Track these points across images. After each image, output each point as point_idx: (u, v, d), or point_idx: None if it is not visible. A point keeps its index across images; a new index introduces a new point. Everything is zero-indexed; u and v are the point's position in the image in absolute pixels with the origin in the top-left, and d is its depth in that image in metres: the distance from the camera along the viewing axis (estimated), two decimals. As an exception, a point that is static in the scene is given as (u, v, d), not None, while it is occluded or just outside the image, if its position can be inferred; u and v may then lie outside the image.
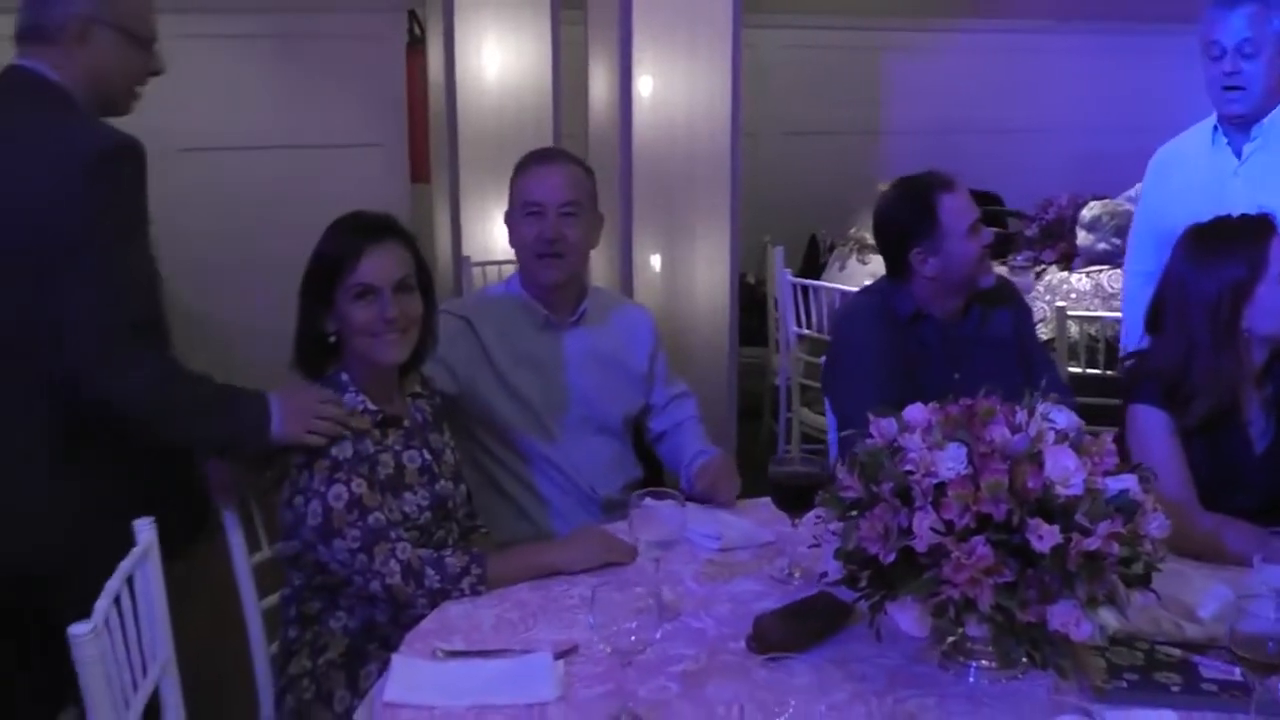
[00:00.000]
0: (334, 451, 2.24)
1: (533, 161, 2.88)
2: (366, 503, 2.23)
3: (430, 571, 2.21)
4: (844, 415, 2.86)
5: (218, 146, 5.91)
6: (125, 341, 2.21)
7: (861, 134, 7.28)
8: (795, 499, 2.19)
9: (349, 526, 2.20)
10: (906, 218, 2.84)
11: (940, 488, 1.70)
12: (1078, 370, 4.10)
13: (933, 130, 7.14)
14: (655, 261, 4.72)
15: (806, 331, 4.97)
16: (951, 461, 1.71)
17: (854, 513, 1.79)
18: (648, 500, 2.13)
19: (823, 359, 3.23)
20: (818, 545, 1.92)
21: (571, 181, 2.84)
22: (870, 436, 1.86)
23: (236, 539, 2.44)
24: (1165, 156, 3.41)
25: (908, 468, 1.74)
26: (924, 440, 1.76)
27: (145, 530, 1.98)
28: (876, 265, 3.00)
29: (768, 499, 2.31)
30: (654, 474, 3.03)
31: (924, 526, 1.68)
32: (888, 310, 2.89)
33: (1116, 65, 7.45)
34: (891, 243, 2.89)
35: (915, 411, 1.84)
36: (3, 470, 2.32)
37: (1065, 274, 4.73)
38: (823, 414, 3.85)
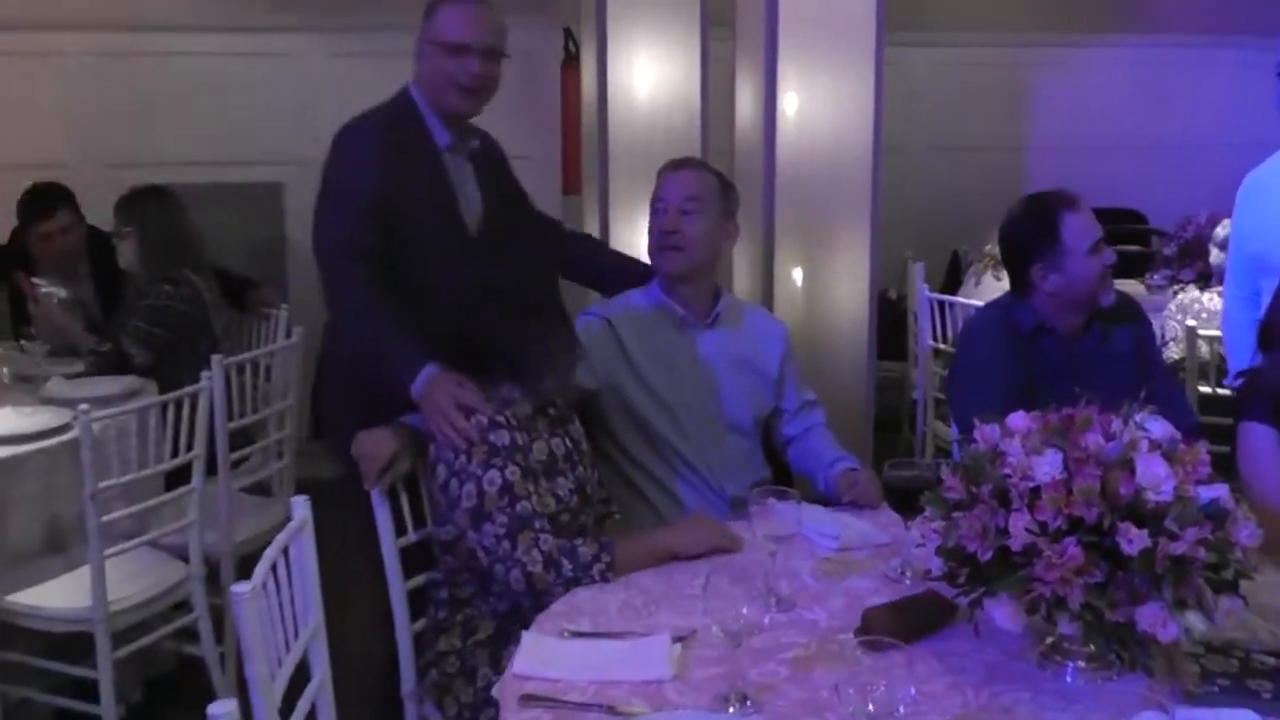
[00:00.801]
0: (492, 438, 2.39)
1: (666, 168, 3.07)
2: (517, 490, 2.37)
3: (565, 561, 2.33)
4: (963, 425, 2.92)
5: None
6: (332, 258, 2.83)
7: (1007, 150, 7.20)
8: (908, 500, 2.26)
9: (498, 511, 2.34)
10: (1029, 234, 2.90)
11: (1036, 491, 1.78)
12: (1207, 390, 4.06)
13: (1079, 146, 7.02)
14: (797, 275, 4.81)
15: (942, 346, 5.02)
16: (1048, 466, 1.79)
17: (956, 513, 1.88)
18: (770, 499, 2.23)
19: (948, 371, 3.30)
20: (924, 545, 2.00)
21: (695, 182, 3.01)
22: (975, 442, 1.96)
23: (384, 521, 2.59)
24: (1252, 183, 3.43)
25: (1006, 471, 1.82)
26: (1023, 446, 1.85)
27: (300, 508, 2.14)
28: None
29: (886, 504, 2.42)
30: (781, 476, 3.12)
31: (1019, 527, 1.77)
32: (1010, 324, 2.95)
33: (1267, 81, 7.26)
34: (1014, 258, 2.95)
35: (1018, 419, 1.92)
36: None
37: (1198, 293, 4.68)
38: (954, 426, 3.89)
